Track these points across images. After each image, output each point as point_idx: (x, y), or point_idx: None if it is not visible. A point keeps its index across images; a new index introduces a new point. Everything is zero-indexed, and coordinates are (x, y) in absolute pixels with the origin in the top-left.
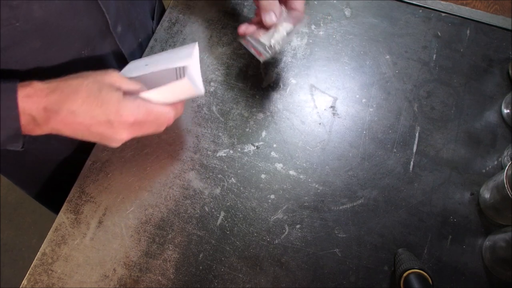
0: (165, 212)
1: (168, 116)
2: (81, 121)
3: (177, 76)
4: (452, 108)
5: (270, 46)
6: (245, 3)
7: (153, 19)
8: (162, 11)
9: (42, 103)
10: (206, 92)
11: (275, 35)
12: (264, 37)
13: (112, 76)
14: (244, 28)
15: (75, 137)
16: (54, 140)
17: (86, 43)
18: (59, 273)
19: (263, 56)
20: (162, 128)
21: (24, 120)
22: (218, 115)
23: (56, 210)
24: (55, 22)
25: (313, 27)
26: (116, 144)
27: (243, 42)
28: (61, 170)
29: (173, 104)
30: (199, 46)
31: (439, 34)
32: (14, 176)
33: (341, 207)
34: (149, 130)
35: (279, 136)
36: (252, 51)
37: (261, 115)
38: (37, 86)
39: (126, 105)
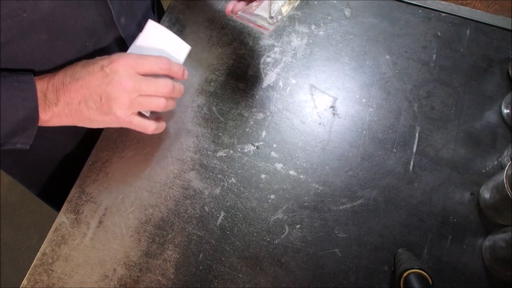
0: (165, 212)
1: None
2: (84, 82)
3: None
4: (452, 108)
5: (271, 16)
6: None
7: (154, 12)
8: (160, 6)
9: (51, 81)
10: (206, 92)
11: (273, 3)
12: (259, 10)
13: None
14: (231, 6)
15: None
16: (58, 136)
17: (91, 35)
18: (59, 273)
19: (267, 28)
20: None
21: (39, 98)
22: (218, 115)
23: (58, 208)
24: (61, 13)
25: (313, 27)
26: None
27: (236, 18)
28: (64, 168)
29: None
30: (199, 45)
31: (439, 34)
32: (17, 174)
33: (341, 207)
34: (151, 85)
35: (279, 136)
36: (252, 25)
37: (261, 115)
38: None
39: (116, 110)
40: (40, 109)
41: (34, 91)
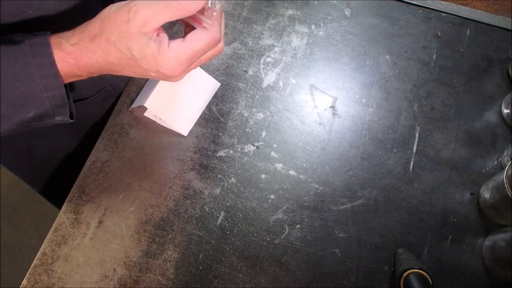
0: (165, 212)
1: (215, 40)
2: (120, 71)
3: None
4: (452, 108)
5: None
6: (245, 3)
7: None
8: None
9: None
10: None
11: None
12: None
13: (137, 20)
14: None
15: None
16: (61, 135)
17: None
18: (59, 273)
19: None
20: (217, 53)
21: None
22: (218, 115)
23: (60, 206)
24: (67, 10)
25: (313, 27)
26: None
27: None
28: (67, 166)
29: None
30: None
31: (439, 34)
32: (21, 172)
33: (341, 207)
34: (203, 62)
35: (279, 136)
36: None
37: (261, 115)
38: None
39: (164, 61)
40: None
41: (50, 54)
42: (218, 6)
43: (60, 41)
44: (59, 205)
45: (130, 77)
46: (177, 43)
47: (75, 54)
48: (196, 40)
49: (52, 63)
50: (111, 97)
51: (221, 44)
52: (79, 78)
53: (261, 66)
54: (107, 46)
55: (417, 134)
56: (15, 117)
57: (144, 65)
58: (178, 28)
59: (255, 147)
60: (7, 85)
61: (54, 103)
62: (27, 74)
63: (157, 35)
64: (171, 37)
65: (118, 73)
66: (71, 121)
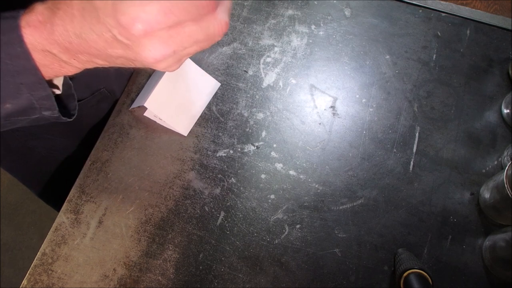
0: (165, 212)
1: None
2: (93, 45)
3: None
4: (452, 108)
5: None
6: (245, 3)
7: None
8: None
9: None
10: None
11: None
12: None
13: None
14: None
15: (106, 64)
16: (58, 137)
17: None
18: (59, 273)
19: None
20: (215, 36)
21: (39, 57)
22: (218, 115)
23: (59, 208)
24: None
25: (313, 27)
26: (154, 64)
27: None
28: (65, 168)
29: None
30: None
31: (439, 34)
32: (19, 174)
33: (341, 207)
34: (191, 36)
35: (279, 136)
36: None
37: (261, 115)
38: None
39: (123, 5)
40: (50, 68)
41: (20, 35)
42: None
43: (32, 8)
44: (57, 208)
45: (127, 80)
46: None
47: (43, 15)
48: None
49: (20, 38)
50: (107, 100)
51: (219, 19)
52: (52, 57)
53: (261, 66)
54: None
55: (417, 134)
56: None
57: (100, 10)
58: None
59: (255, 147)
60: None
61: (35, 93)
62: None
63: None
64: None
65: (84, 37)
66: (65, 119)
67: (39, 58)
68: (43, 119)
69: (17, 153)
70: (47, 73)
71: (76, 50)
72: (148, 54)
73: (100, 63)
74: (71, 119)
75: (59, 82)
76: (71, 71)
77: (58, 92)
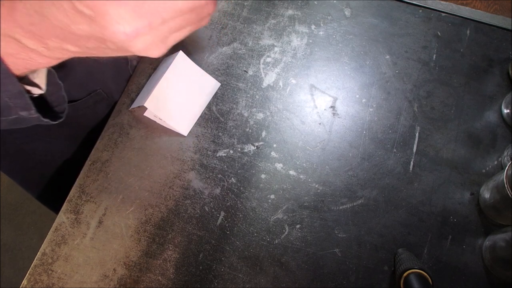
0: (165, 212)
1: None
2: (55, 22)
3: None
4: (452, 108)
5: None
6: (245, 3)
7: None
8: None
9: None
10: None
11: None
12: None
13: None
14: None
15: (78, 50)
16: (55, 140)
17: None
18: (59, 273)
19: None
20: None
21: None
22: (218, 115)
23: (57, 210)
24: None
25: (313, 27)
26: (127, 42)
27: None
28: (64, 170)
29: None
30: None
31: (439, 34)
32: (17, 176)
33: (341, 207)
34: (170, 4)
35: (279, 136)
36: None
37: (261, 115)
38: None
39: None
40: (21, 61)
41: None
42: None
43: None
44: (56, 210)
45: (126, 81)
46: None
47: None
48: None
49: None
50: (103, 101)
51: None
52: (16, 44)
53: (261, 66)
54: None
55: (417, 134)
56: None
57: None
58: None
59: (255, 147)
60: None
61: (4, 88)
62: None
63: None
64: None
65: (50, 18)
66: (47, 121)
67: (1, 46)
68: (24, 121)
69: (14, 156)
70: (16, 65)
71: (41, 34)
72: (117, 27)
73: (72, 49)
74: (55, 122)
75: (40, 80)
76: (43, 62)
77: (39, 91)
